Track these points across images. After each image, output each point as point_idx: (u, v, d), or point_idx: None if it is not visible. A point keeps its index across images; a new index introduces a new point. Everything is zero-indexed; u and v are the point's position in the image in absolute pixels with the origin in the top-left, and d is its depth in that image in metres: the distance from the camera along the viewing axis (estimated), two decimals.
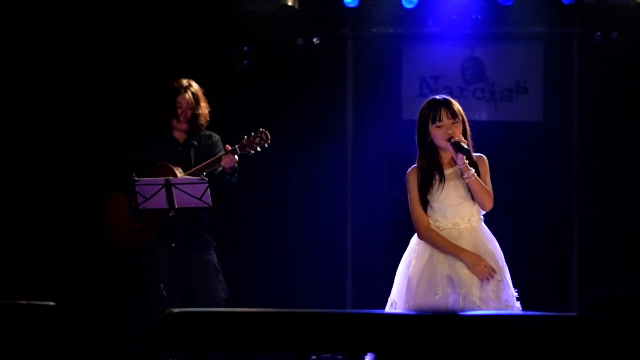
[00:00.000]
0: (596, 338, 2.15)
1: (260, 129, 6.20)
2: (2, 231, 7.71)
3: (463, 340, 1.91)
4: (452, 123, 4.76)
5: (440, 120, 4.76)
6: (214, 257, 6.43)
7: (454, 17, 7.69)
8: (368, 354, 3.20)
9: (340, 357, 6.36)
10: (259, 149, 6.19)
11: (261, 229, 7.91)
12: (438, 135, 4.78)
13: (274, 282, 7.58)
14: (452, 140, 4.71)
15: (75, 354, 2.29)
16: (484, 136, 7.95)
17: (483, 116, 8.08)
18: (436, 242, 4.79)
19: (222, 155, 6.16)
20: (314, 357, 7.06)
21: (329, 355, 6.62)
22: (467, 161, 4.73)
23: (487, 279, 4.69)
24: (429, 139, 4.82)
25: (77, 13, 7.69)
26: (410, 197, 4.88)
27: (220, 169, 6.21)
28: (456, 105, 4.82)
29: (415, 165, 4.89)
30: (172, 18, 7.84)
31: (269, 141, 6.20)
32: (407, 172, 4.90)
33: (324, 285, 7.83)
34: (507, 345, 2.03)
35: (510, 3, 7.52)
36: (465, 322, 1.93)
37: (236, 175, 6.27)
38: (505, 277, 4.80)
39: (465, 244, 4.77)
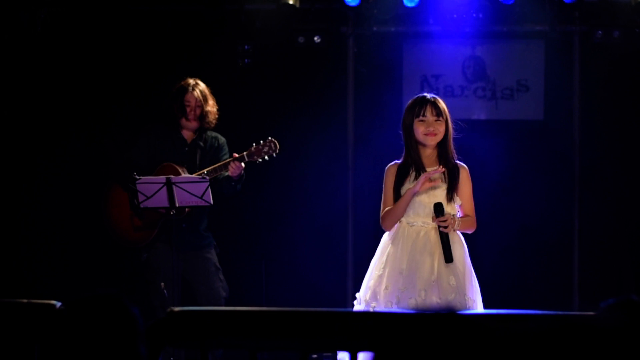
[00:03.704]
0: (607, 340, 2.14)
1: (269, 138, 6.21)
2: (2, 231, 7.70)
3: (464, 340, 1.90)
4: (435, 120, 4.91)
5: (424, 115, 4.91)
6: (214, 256, 6.45)
7: (455, 15, 7.67)
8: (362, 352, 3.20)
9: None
10: (266, 157, 6.19)
11: (262, 228, 7.90)
12: (418, 129, 4.92)
13: (275, 281, 7.57)
14: (435, 202, 4.81)
15: (80, 353, 2.28)
16: (485, 135, 7.92)
17: (484, 115, 8.07)
18: (395, 212, 4.88)
19: (229, 162, 6.15)
20: (314, 355, 7.06)
21: (329, 354, 6.62)
22: (443, 223, 4.79)
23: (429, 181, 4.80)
24: (412, 134, 4.95)
25: (77, 12, 7.68)
26: (384, 191, 4.98)
27: (226, 174, 6.21)
28: (442, 105, 4.97)
29: (396, 161, 5.01)
30: (176, 12, 7.83)
31: (277, 151, 6.20)
32: (387, 167, 5.02)
33: (324, 284, 7.82)
34: (509, 345, 2.02)
35: (511, 2, 7.50)
36: (467, 322, 1.92)
37: (242, 182, 6.27)
38: (467, 283, 4.82)
39: (429, 243, 4.83)
